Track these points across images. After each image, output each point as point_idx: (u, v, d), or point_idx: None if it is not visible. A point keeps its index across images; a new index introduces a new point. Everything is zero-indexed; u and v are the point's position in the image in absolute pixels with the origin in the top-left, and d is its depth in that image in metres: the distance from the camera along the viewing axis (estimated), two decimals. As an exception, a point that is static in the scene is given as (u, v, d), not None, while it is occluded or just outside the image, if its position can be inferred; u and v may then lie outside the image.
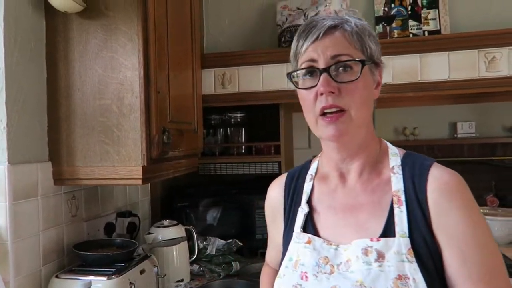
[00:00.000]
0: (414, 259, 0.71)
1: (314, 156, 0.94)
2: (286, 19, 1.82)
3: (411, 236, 0.73)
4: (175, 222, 1.66)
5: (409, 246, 0.72)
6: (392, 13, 1.79)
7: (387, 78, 1.73)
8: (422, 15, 1.77)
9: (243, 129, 2.12)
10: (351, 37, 0.78)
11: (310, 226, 0.83)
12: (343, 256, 0.77)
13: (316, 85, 0.77)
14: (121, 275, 1.25)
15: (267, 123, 2.01)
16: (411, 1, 1.79)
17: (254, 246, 1.93)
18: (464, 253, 0.72)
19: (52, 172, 1.32)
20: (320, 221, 0.83)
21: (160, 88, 1.36)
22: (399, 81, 1.72)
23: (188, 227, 1.71)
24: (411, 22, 1.79)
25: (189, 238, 1.69)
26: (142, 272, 1.34)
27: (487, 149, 3.67)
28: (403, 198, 0.76)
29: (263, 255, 1.55)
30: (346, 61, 0.76)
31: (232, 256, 1.80)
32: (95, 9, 1.29)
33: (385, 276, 0.71)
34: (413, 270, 0.70)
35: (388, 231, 0.74)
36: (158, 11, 1.35)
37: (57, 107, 1.33)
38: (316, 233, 0.82)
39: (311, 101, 0.78)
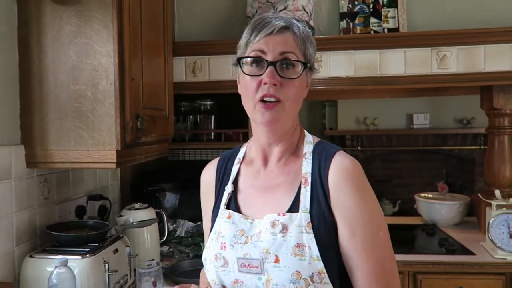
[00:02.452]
0: (311, 231, 0.83)
1: (243, 143, 1.04)
2: (256, 11, 1.89)
3: (311, 211, 0.84)
4: (146, 205, 1.71)
5: (309, 220, 0.84)
6: (355, 10, 1.90)
7: (349, 71, 1.85)
8: (383, 13, 1.90)
9: (213, 116, 2.19)
10: (298, 40, 0.87)
11: (233, 204, 0.94)
12: (256, 229, 0.88)
13: (261, 75, 0.85)
14: (95, 254, 1.30)
15: (236, 111, 2.07)
16: (373, -1, 1.91)
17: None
18: (353, 227, 0.84)
19: (24, 155, 1.35)
20: (242, 199, 0.94)
21: (134, 75, 1.40)
22: (360, 74, 1.84)
23: (159, 210, 1.77)
24: (372, 20, 1.91)
25: (159, 220, 1.76)
26: (115, 251, 1.40)
27: (440, 139, 3.94)
28: (309, 179, 0.87)
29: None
30: (293, 60, 0.86)
31: (201, 237, 1.88)
32: (69, -5, 1.31)
33: (287, 244, 0.82)
34: (309, 240, 0.82)
35: (294, 207, 0.86)
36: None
37: (29, 92, 1.34)
38: (238, 209, 0.93)
39: (254, 88, 0.86)
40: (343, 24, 1.92)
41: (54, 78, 1.33)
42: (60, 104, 1.33)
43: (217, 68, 1.92)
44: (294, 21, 0.90)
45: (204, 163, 2.36)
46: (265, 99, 0.85)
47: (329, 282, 0.82)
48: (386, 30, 1.92)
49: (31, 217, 1.39)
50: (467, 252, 1.89)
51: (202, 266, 1.68)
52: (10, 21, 1.31)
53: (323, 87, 1.88)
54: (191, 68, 1.95)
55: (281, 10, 1.81)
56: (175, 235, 1.85)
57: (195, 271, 1.63)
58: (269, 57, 0.85)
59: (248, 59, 0.87)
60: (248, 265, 0.85)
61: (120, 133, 1.32)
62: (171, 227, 1.83)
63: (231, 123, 2.12)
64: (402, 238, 2.19)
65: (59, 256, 1.23)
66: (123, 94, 1.34)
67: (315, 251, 0.81)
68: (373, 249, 0.84)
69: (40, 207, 1.44)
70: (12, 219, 1.30)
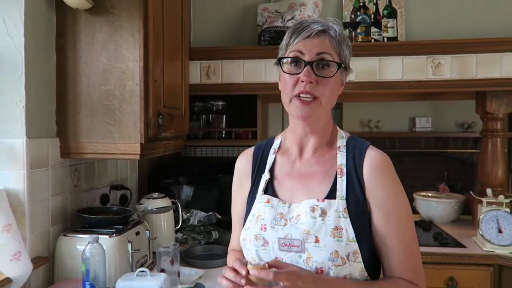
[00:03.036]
0: (347, 216, 0.93)
1: (277, 135, 1.14)
2: (266, 20, 2.05)
3: (347, 199, 0.95)
4: (163, 195, 1.89)
5: (345, 206, 0.94)
6: (357, 20, 2.06)
7: (350, 76, 1.98)
8: (383, 23, 2.05)
9: (224, 116, 2.36)
10: (334, 42, 0.95)
11: (270, 190, 1.03)
12: (294, 212, 0.97)
13: (299, 73, 0.94)
14: (120, 235, 1.48)
15: (246, 111, 2.25)
16: (374, 10, 2.07)
17: (230, 219, 2.16)
18: (388, 214, 0.95)
19: (59, 146, 1.53)
20: (279, 186, 1.03)
21: (157, 77, 1.58)
22: (361, 79, 2.00)
23: (174, 200, 1.94)
24: (373, 29, 2.07)
25: (174, 210, 1.93)
26: (137, 234, 1.58)
27: (441, 142, 4.06)
28: (344, 170, 0.97)
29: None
30: (328, 60, 0.94)
31: (212, 226, 2.05)
32: (101, 7, 1.49)
33: (326, 227, 0.93)
34: (346, 224, 0.93)
35: (331, 194, 0.96)
36: (156, 11, 1.57)
37: (65, 91, 1.53)
38: (275, 195, 1.02)
39: (291, 84, 0.95)
40: (346, 33, 2.07)
41: (87, 80, 1.51)
42: (92, 102, 1.51)
43: (229, 72, 2.10)
44: (331, 24, 0.98)
45: (214, 159, 2.55)
46: (301, 95, 0.94)
47: (361, 261, 0.92)
48: (385, 39, 2.07)
49: (63, 202, 1.57)
50: (459, 245, 2.03)
51: (212, 251, 1.86)
52: (49, 30, 1.49)
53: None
54: (205, 71, 2.12)
55: (288, 20, 1.98)
56: (189, 224, 2.02)
57: (206, 256, 1.81)
58: (306, 58, 0.94)
59: (288, 59, 0.96)
60: (289, 245, 0.94)
61: (144, 128, 1.50)
62: (185, 216, 2.00)
63: (241, 122, 2.29)
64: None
65: (89, 235, 1.40)
66: (147, 94, 1.51)
67: (351, 234, 0.91)
68: (405, 233, 0.95)
69: (71, 194, 1.62)
70: (48, 203, 1.48)
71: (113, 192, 1.89)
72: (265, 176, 1.04)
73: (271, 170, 1.05)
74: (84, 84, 1.52)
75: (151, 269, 1.55)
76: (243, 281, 0.86)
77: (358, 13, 2.06)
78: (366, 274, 0.94)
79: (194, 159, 2.45)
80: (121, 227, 1.53)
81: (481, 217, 1.99)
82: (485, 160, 2.26)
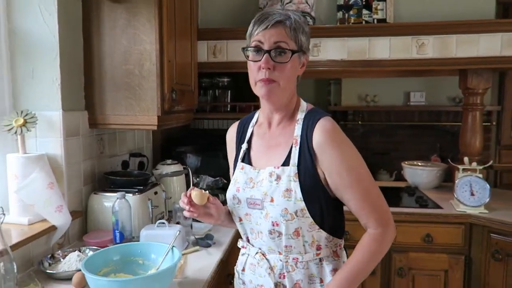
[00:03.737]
0: (297, 180, 1.08)
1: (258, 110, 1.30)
2: (267, 3, 2.25)
3: (299, 166, 1.09)
4: (176, 161, 2.15)
5: (296, 172, 1.09)
6: (350, 3, 2.25)
7: (343, 55, 2.22)
8: (373, 6, 2.24)
9: (229, 91, 2.59)
10: (289, 31, 1.08)
11: (247, 158, 1.22)
12: (260, 177, 1.15)
13: (260, 60, 1.08)
14: (142, 193, 1.75)
15: (249, 87, 2.46)
16: (365, -7, 2.25)
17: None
18: (340, 173, 1.08)
19: (88, 118, 1.78)
20: (253, 154, 1.21)
21: (170, 57, 1.80)
22: (352, 58, 2.21)
23: (185, 166, 2.20)
24: (365, 11, 2.26)
25: (186, 175, 2.19)
26: (155, 193, 1.85)
27: (434, 116, 4.27)
28: (299, 140, 1.12)
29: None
30: (283, 48, 1.07)
31: (219, 190, 2.32)
32: (122, -5, 1.70)
33: (279, 189, 1.10)
34: (295, 186, 1.08)
35: (286, 162, 1.12)
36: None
37: (91, 70, 1.76)
38: (250, 162, 1.21)
39: (255, 70, 1.10)
40: (340, 14, 2.27)
41: (110, 60, 1.74)
42: (115, 80, 1.75)
43: (233, 51, 2.31)
44: (290, 14, 1.10)
45: (221, 131, 2.82)
46: (264, 80, 1.09)
47: (310, 217, 1.09)
48: (375, 21, 2.26)
49: (92, 166, 1.83)
50: (436, 206, 2.30)
51: (219, 210, 2.12)
52: (76, 16, 1.71)
53: (321, 68, 2.26)
54: (212, 50, 2.34)
55: (287, 3, 2.17)
56: (199, 187, 2.29)
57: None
58: (265, 46, 1.07)
59: (250, 48, 1.10)
60: (253, 203, 1.14)
61: (160, 102, 1.73)
62: (195, 180, 2.27)
63: (244, 97, 2.52)
64: (387, 197, 2.60)
65: (118, 193, 1.67)
66: (162, 72, 1.74)
67: (299, 195, 1.07)
68: (359, 184, 1.08)
69: (98, 159, 1.88)
70: (80, 166, 1.74)
71: (132, 159, 2.15)
72: (243, 146, 1.23)
73: (250, 141, 1.23)
74: (108, 63, 1.75)
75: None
76: (186, 199, 1.15)
77: (351, -4, 2.25)
78: (317, 227, 1.10)
79: (202, 130, 2.70)
80: (141, 187, 1.80)
81: (456, 181, 2.24)
82: (465, 132, 2.50)
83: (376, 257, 1.11)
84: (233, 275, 1.34)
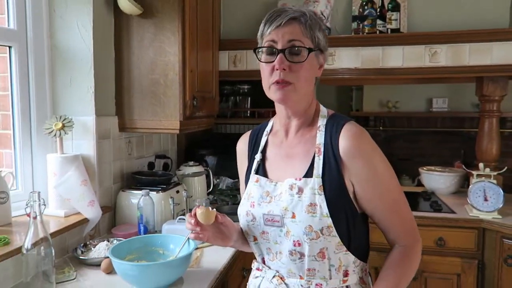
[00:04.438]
0: (322, 193, 0.96)
1: (271, 118, 1.21)
2: (284, 15, 2.37)
3: (323, 177, 0.98)
4: (198, 163, 2.31)
5: (320, 184, 0.97)
6: (365, 14, 2.34)
7: (356, 63, 2.31)
8: (387, 16, 2.32)
9: (249, 97, 2.74)
10: (305, 28, 0.98)
11: (261, 170, 1.10)
12: (278, 190, 1.03)
13: (273, 61, 0.98)
14: (165, 192, 1.92)
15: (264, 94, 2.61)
16: (380, 4, 2.34)
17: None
18: (368, 182, 0.98)
19: (118, 123, 1.96)
20: (269, 166, 1.10)
21: (192, 67, 1.96)
22: (365, 66, 2.30)
23: (206, 168, 2.36)
24: (379, 21, 2.34)
25: (206, 176, 2.34)
26: (177, 192, 2.01)
27: (457, 122, 4.25)
28: (322, 149, 1.01)
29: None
30: (298, 46, 0.97)
31: (237, 191, 2.46)
32: (149, 12, 1.87)
33: (302, 203, 0.97)
34: (320, 200, 0.96)
35: (309, 173, 1.00)
36: (191, 13, 1.93)
37: (121, 79, 1.94)
38: (265, 174, 1.09)
39: (268, 72, 0.99)
40: (355, 25, 2.36)
41: (138, 70, 1.92)
42: (142, 88, 1.92)
43: (252, 60, 2.46)
44: (304, 10, 1.00)
45: (241, 135, 2.95)
46: (278, 82, 0.98)
47: (337, 235, 0.96)
48: (389, 30, 2.34)
49: (121, 166, 2.02)
50: (450, 211, 2.34)
51: (236, 210, 2.26)
52: (109, 31, 1.90)
53: (336, 76, 2.36)
54: (233, 60, 2.49)
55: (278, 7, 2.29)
56: (218, 188, 2.44)
57: (232, 213, 2.21)
58: (279, 46, 0.97)
59: (263, 48, 1.01)
60: (272, 220, 1.02)
61: (182, 109, 1.90)
62: (215, 182, 2.42)
63: (263, 103, 2.66)
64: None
65: (143, 190, 1.84)
66: (184, 81, 1.90)
67: (325, 209, 0.95)
68: (389, 194, 1.00)
69: (126, 160, 2.06)
70: (111, 166, 1.93)
71: (158, 160, 2.33)
72: (257, 157, 1.12)
73: (264, 151, 1.12)
74: (136, 73, 1.93)
75: (188, 219, 1.98)
76: (192, 220, 1.04)
77: (366, 7, 2.34)
78: (344, 248, 0.98)
79: (224, 135, 2.85)
80: (164, 186, 1.96)
81: (470, 187, 2.28)
82: (482, 138, 2.52)
83: (410, 275, 1.02)
84: (247, 269, 1.42)
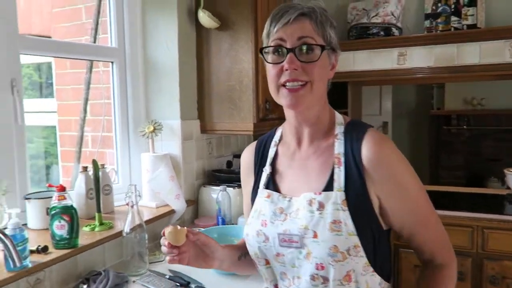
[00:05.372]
0: (346, 208, 0.86)
1: (278, 126, 1.09)
2: (354, 17, 2.42)
3: (346, 190, 0.87)
4: (271, 162, 2.46)
5: (344, 198, 0.87)
6: (438, 11, 2.29)
7: (429, 62, 2.28)
8: (463, 12, 2.25)
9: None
10: (316, 25, 0.89)
11: (271, 184, 0.98)
12: (294, 206, 0.92)
13: (282, 62, 0.88)
14: (240, 188, 2.09)
15: (338, 95, 2.67)
16: (454, 1, 2.27)
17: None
18: (396, 195, 0.89)
19: (199, 125, 2.19)
20: (280, 179, 0.98)
21: (264, 73, 2.11)
22: (439, 64, 2.26)
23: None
24: (453, 18, 2.27)
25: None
26: (251, 188, 2.18)
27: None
28: (342, 159, 0.90)
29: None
30: (310, 44, 0.88)
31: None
32: (225, 25, 2.07)
33: (324, 221, 0.86)
34: (345, 216, 0.85)
35: (329, 186, 0.89)
36: (263, 23, 2.08)
37: (202, 86, 2.17)
38: (276, 189, 0.97)
39: (276, 74, 0.90)
40: (427, 23, 2.33)
41: (216, 78, 2.13)
42: (220, 94, 2.13)
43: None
44: (313, 6, 0.91)
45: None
46: (287, 84, 0.88)
47: (364, 255, 0.86)
48: (465, 27, 2.27)
49: (203, 164, 2.25)
50: (536, 215, 2.19)
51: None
52: (191, 44, 2.13)
53: (407, 76, 2.35)
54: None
55: (373, 16, 2.32)
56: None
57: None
58: (288, 44, 0.88)
59: (270, 48, 0.91)
60: (289, 240, 0.90)
61: (255, 112, 2.06)
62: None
63: (333, 104, 2.71)
64: (487, 204, 2.53)
65: (221, 186, 2.04)
66: (257, 87, 2.07)
67: (351, 227, 0.85)
68: (420, 210, 0.92)
69: (207, 159, 2.29)
70: (194, 164, 2.16)
71: (235, 159, 2.53)
72: (266, 170, 1.00)
73: (273, 164, 1.01)
74: (215, 80, 2.14)
75: (261, 214, 2.15)
76: (166, 242, 0.92)
77: (439, 4, 2.29)
78: (371, 269, 0.88)
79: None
80: (240, 183, 2.14)
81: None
82: None
83: None
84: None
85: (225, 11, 2.05)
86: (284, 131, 1.05)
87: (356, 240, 0.85)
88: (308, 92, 0.89)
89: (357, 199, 0.87)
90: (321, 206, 0.88)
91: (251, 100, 2.06)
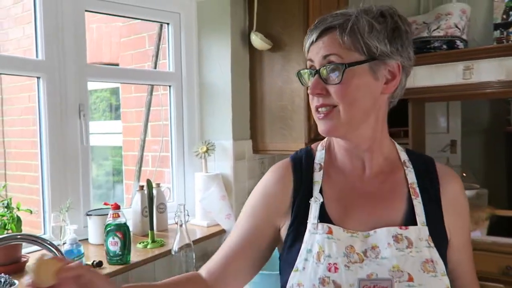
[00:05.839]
0: (433, 245, 0.78)
1: (312, 145, 0.97)
2: (414, 31, 2.31)
3: (428, 224, 0.80)
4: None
5: (428, 233, 0.79)
6: (510, 20, 2.10)
7: (499, 75, 2.08)
8: (539, 19, 2.04)
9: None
10: (344, 36, 0.77)
11: (325, 216, 0.82)
12: (367, 243, 0.78)
13: None
14: (292, 209, 2.06)
15: (396, 111, 2.54)
16: (528, 8, 2.07)
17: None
18: (462, 240, 0.87)
19: (252, 145, 2.21)
20: (336, 210, 0.83)
21: (316, 93, 2.09)
22: (511, 78, 2.05)
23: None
24: (527, 27, 2.07)
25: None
26: (304, 209, 2.13)
27: None
28: (418, 190, 0.83)
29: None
30: (333, 63, 0.77)
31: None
32: (277, 46, 2.08)
33: (416, 260, 0.76)
34: (434, 254, 0.78)
35: (410, 220, 0.80)
36: (315, 43, 2.07)
37: (255, 107, 2.19)
38: (332, 222, 0.81)
39: (311, 98, 0.83)
40: (497, 33, 2.14)
41: (268, 98, 2.14)
42: (272, 114, 2.13)
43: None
44: (349, 12, 0.80)
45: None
46: (319, 110, 0.81)
47: None
48: (542, 35, 2.05)
49: (254, 184, 2.23)
50: None
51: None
52: (244, 66, 2.17)
53: (474, 91, 2.17)
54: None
55: (434, 30, 2.19)
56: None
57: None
58: (317, 65, 0.80)
59: (304, 71, 0.84)
60: (374, 287, 0.75)
61: (307, 132, 2.03)
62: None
63: (392, 121, 2.59)
64: None
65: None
66: (309, 107, 2.03)
67: (442, 266, 0.77)
68: (471, 256, 0.91)
69: (259, 179, 2.26)
70: (245, 184, 2.18)
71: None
72: (317, 199, 0.83)
73: (321, 191, 0.85)
74: (267, 101, 2.15)
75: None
76: (30, 280, 0.63)
77: (511, 13, 2.10)
78: None
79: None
80: (292, 203, 2.11)
81: None
82: None
83: None
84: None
85: (277, 32, 2.07)
86: (332, 153, 0.91)
87: (447, 281, 0.77)
88: (336, 118, 0.79)
89: (439, 235, 0.82)
90: (410, 243, 0.78)
91: (303, 120, 2.03)
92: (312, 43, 0.81)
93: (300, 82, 0.87)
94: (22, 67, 1.60)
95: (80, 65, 1.69)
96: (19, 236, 1.01)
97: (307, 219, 0.82)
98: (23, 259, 1.36)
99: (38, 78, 1.60)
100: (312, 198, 0.84)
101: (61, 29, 1.63)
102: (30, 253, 1.44)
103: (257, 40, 2.04)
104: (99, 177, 3.35)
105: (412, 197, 0.82)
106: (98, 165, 3.34)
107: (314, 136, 2.06)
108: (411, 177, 0.85)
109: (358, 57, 0.77)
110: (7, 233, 1.31)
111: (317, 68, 0.80)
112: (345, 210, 0.83)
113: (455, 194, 0.85)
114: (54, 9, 1.61)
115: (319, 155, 0.91)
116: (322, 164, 0.89)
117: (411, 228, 0.79)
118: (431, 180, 0.85)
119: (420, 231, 0.79)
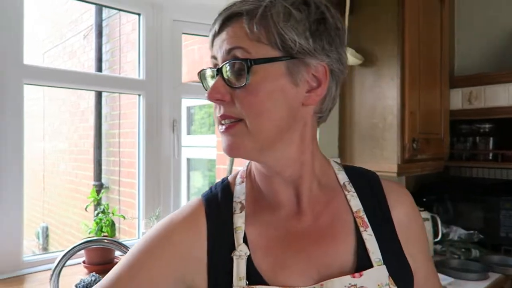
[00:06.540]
0: (395, 285, 0.62)
1: (229, 177, 0.72)
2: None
3: (386, 262, 0.63)
4: (422, 208, 2.18)
5: (387, 273, 0.62)
6: None
7: None
8: None
9: (491, 138, 2.39)
10: (253, 25, 0.58)
11: (255, 273, 0.61)
12: None
13: None
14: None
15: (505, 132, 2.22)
16: None
17: (497, 242, 2.20)
18: (422, 262, 0.73)
19: (340, 164, 2.12)
20: (267, 263, 0.63)
21: (412, 109, 1.93)
22: None
23: (433, 214, 2.19)
24: None
25: (435, 223, 2.17)
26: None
27: None
28: (366, 219, 0.66)
29: (506, 251, 1.87)
30: (237, 59, 0.59)
31: (472, 244, 2.15)
32: (369, 61, 1.99)
33: None
34: None
35: (363, 260, 0.63)
36: (411, 57, 1.92)
37: (344, 124, 2.11)
38: (264, 280, 0.61)
39: (214, 106, 0.63)
40: None
41: (358, 115, 2.05)
42: (362, 132, 2.03)
43: (491, 96, 2.16)
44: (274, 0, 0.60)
45: (480, 180, 2.59)
46: (222, 122, 0.61)
47: None
48: None
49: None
50: None
51: (468, 267, 1.99)
52: (335, 81, 2.12)
53: None
54: (467, 97, 2.26)
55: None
56: (448, 238, 2.21)
57: (462, 270, 1.95)
58: (220, 63, 0.61)
59: (205, 71, 0.65)
60: None
61: (400, 151, 1.88)
62: (444, 230, 2.20)
63: (510, 144, 2.26)
64: None
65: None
66: (403, 124, 1.89)
67: None
68: (435, 274, 0.79)
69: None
70: (332, 204, 2.09)
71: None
72: (241, 251, 0.62)
73: (244, 239, 0.64)
74: (357, 118, 2.06)
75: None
76: None
77: None
78: None
79: (459, 179, 2.57)
80: (382, 228, 1.96)
81: None
82: None
83: None
84: None
85: (369, 47, 1.98)
86: (255, 185, 0.69)
87: None
88: (241, 134, 0.60)
89: (402, 271, 0.65)
90: None
91: (395, 139, 1.89)
92: (215, 35, 0.62)
93: (203, 86, 0.66)
94: (128, 86, 1.78)
95: (175, 84, 1.82)
96: (106, 241, 1.10)
97: (231, 279, 0.61)
98: (116, 261, 1.48)
99: (139, 95, 1.77)
100: (235, 251, 0.62)
101: (160, 51, 1.78)
102: (122, 256, 1.57)
103: (348, 55, 1.96)
104: (204, 187, 3.55)
105: (361, 229, 0.65)
106: (204, 176, 3.55)
107: (409, 157, 1.90)
108: (355, 203, 0.68)
109: (270, 52, 0.58)
110: (103, 236, 1.45)
111: (219, 65, 0.61)
112: (280, 261, 0.63)
113: (407, 213, 0.70)
114: (155, 33, 1.77)
115: (239, 189, 0.69)
116: (243, 202, 0.67)
117: (366, 273, 0.61)
118: (379, 202, 0.69)
119: (378, 273, 0.62)
